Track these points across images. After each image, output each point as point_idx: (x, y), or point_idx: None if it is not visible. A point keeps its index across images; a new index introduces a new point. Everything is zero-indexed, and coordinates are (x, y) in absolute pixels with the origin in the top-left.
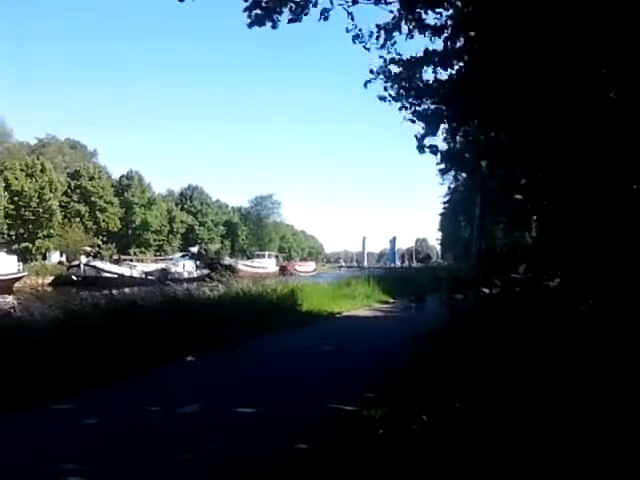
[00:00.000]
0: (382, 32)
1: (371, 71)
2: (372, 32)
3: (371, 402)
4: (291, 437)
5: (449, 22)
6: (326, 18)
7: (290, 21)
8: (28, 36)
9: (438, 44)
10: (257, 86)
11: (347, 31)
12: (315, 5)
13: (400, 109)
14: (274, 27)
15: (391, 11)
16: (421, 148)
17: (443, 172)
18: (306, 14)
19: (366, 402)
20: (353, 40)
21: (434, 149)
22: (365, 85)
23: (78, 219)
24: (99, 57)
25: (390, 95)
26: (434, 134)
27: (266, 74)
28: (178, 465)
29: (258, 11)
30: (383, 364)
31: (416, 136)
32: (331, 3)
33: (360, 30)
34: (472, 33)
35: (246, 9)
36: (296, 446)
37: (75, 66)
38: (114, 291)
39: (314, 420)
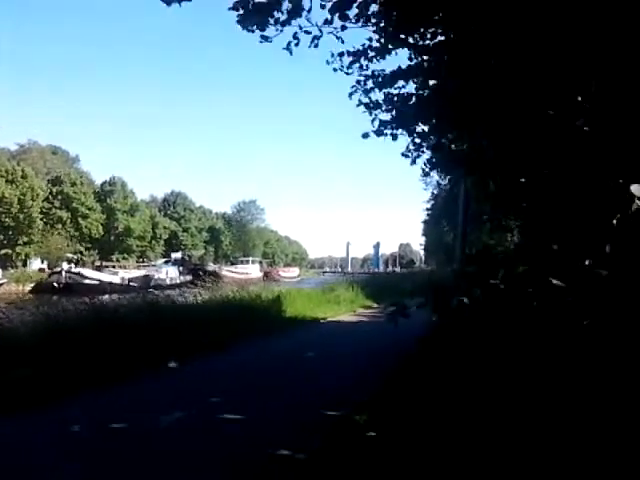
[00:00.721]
0: (361, 58)
1: (358, 82)
2: (346, 58)
3: (359, 407)
4: (277, 441)
5: (430, 42)
6: (316, 45)
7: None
8: (8, 38)
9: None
10: (240, 91)
11: (327, 63)
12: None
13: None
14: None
15: (375, 31)
16: (408, 156)
17: (425, 174)
18: (297, 44)
19: (355, 406)
20: (334, 70)
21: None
22: (350, 96)
23: (60, 225)
24: (80, 62)
25: (368, 105)
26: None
27: (248, 78)
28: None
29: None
30: (369, 369)
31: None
32: (320, 31)
33: (341, 59)
34: (452, 54)
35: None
36: (278, 452)
37: (56, 71)
38: (95, 298)
39: (305, 424)
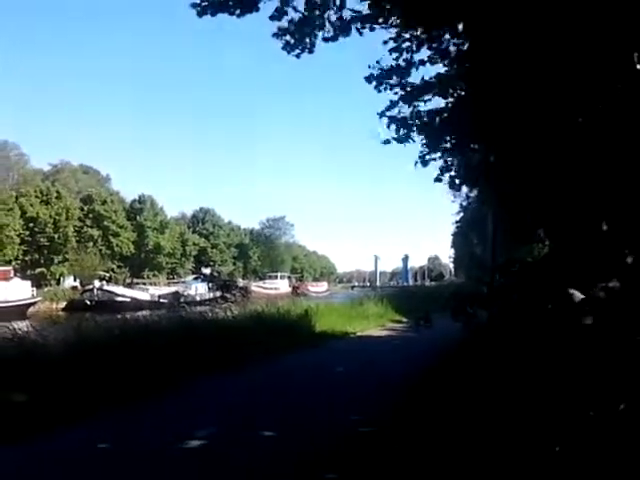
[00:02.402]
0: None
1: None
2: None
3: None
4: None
5: (451, 49)
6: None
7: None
8: (38, 59)
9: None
10: (269, 108)
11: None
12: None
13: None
14: (311, 52)
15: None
16: (439, 180)
17: (453, 189)
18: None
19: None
20: (367, 81)
21: (452, 182)
22: (380, 116)
23: (91, 244)
24: (109, 83)
25: (394, 138)
26: (434, 151)
27: (278, 95)
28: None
29: (289, 38)
30: (398, 383)
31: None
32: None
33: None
34: (470, 64)
35: (275, 35)
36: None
37: (85, 92)
38: (127, 315)
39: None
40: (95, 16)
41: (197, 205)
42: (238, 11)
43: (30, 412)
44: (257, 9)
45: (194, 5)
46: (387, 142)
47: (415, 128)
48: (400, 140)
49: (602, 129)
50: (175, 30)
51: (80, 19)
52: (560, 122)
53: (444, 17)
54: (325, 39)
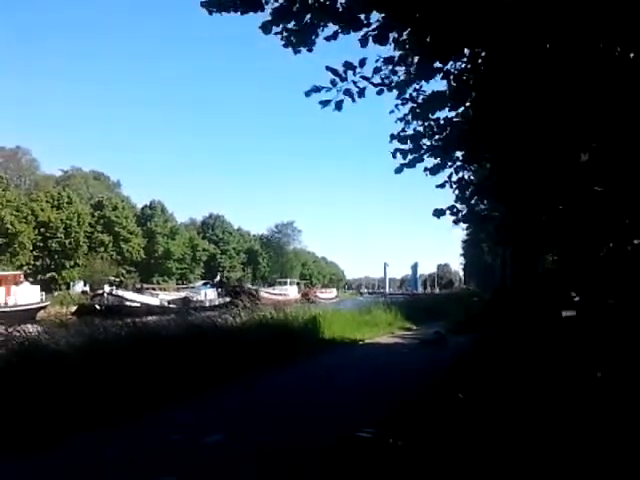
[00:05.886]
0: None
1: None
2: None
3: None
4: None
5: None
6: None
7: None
8: (49, 67)
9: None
10: (278, 114)
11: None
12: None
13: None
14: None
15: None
16: (440, 213)
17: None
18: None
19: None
20: (378, 93)
21: (454, 212)
22: (391, 139)
23: (102, 249)
24: (119, 89)
25: (403, 164)
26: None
27: (287, 101)
28: None
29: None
30: (405, 390)
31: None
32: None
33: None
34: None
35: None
36: None
37: (96, 98)
38: (136, 320)
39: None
40: (101, 15)
41: (207, 211)
42: (242, 9)
43: (36, 419)
44: (262, 9)
45: (202, 4)
46: (399, 171)
47: (427, 138)
48: (410, 165)
49: (610, 154)
50: (185, 34)
51: (89, 19)
52: (572, 145)
53: (461, 45)
54: (326, 38)
